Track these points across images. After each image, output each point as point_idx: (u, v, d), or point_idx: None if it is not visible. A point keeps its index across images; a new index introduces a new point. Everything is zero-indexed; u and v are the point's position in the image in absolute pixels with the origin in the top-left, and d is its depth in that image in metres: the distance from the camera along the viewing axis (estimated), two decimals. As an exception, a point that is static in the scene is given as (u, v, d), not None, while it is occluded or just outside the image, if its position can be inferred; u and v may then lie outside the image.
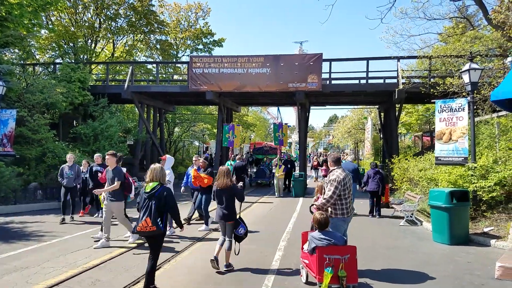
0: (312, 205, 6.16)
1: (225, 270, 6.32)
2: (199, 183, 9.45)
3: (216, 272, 6.25)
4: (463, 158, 10.01)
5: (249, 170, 28.39)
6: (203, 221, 10.03)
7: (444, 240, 8.33)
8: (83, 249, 7.72)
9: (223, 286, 5.73)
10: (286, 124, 19.03)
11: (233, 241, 6.47)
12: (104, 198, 8.28)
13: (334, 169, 5.98)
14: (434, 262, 7.04)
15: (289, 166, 17.61)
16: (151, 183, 5.27)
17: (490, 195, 9.08)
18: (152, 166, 5.47)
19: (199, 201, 9.94)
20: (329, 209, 5.88)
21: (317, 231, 5.49)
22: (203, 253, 7.51)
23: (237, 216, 6.47)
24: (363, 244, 7.99)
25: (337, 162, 6.06)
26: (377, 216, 11.65)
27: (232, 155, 17.31)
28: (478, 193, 9.37)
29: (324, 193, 5.95)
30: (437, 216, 8.55)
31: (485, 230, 8.81)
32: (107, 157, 8.10)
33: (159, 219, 5.10)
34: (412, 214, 10.66)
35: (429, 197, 8.90)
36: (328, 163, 6.20)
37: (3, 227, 9.96)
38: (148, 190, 5.21)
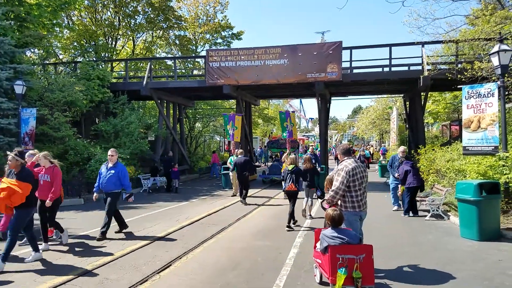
0: (323, 200, 5.79)
1: (309, 218, 10.05)
2: (7, 201, 6.11)
3: (300, 220, 10.05)
4: (493, 147, 9.33)
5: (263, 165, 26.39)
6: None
7: (473, 236, 7.75)
8: (96, 245, 7.66)
9: (232, 285, 5.45)
10: (293, 112, 17.38)
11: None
12: None
13: (343, 160, 5.61)
14: (461, 260, 6.52)
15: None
16: (291, 165, 9.41)
17: (524, 187, 8.39)
18: (291, 155, 10.05)
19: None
20: (339, 202, 5.51)
21: (329, 228, 5.12)
22: (214, 250, 7.30)
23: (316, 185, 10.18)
24: (383, 241, 7.58)
25: (347, 152, 5.68)
26: (414, 215, 10.46)
27: (236, 150, 15.10)
28: (510, 184, 8.70)
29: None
30: (465, 210, 7.96)
31: (519, 224, 8.17)
32: None
33: (297, 184, 9.21)
34: (439, 207, 10.06)
35: (456, 189, 8.32)
36: (338, 155, 5.81)
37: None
38: (290, 169, 9.34)
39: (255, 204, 12.89)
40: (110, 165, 8.45)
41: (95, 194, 8.65)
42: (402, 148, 12.09)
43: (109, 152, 8.57)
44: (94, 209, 12.14)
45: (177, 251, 7.17)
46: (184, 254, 7.04)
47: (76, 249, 7.45)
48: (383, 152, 31.34)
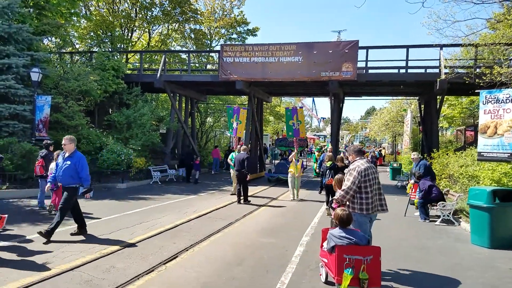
0: (332, 200, 5.73)
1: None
2: None
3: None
4: (509, 154, 9.12)
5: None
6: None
7: (484, 243, 7.61)
8: (104, 234, 7.72)
9: (237, 280, 5.43)
10: (301, 108, 15.76)
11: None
12: None
13: (355, 160, 5.53)
14: (471, 266, 6.39)
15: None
16: (329, 161, 10.99)
17: (539, 196, 8.15)
18: (328, 153, 11.50)
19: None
20: (348, 203, 5.43)
21: (337, 228, 5.06)
22: (220, 245, 7.30)
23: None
24: (392, 244, 7.48)
25: (359, 153, 5.60)
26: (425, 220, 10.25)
27: (238, 146, 14.07)
28: (525, 193, 8.49)
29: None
30: (476, 216, 7.81)
31: (532, 234, 7.97)
32: None
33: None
34: (450, 213, 9.90)
35: (468, 195, 8.16)
36: (350, 156, 5.73)
37: (34, 210, 10.21)
38: (328, 165, 10.94)
39: (256, 205, 12.00)
40: (66, 154, 7.28)
41: (47, 185, 7.72)
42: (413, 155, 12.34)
43: (63, 141, 7.34)
44: (105, 198, 12.30)
45: (184, 243, 7.20)
46: (190, 246, 7.05)
47: (82, 237, 7.50)
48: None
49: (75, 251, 6.48)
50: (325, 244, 5.33)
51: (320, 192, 14.73)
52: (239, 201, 12.29)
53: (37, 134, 14.26)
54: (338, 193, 5.57)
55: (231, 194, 13.99)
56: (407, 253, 7.10)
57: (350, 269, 4.67)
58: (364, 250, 4.81)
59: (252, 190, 15.28)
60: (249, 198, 12.60)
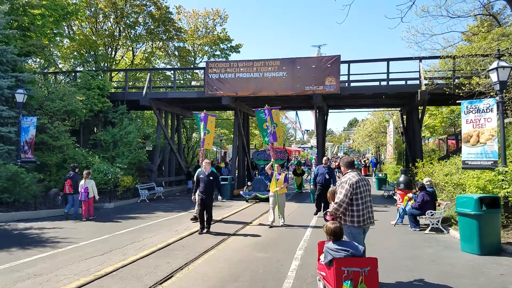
0: (326, 212, 5.82)
1: None
2: None
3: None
4: (492, 162, 9.42)
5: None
6: None
7: (474, 250, 7.79)
8: (97, 255, 7.64)
9: (235, 298, 5.44)
10: (279, 109, 12.98)
11: None
12: None
13: (347, 172, 5.64)
14: (463, 274, 6.54)
15: (326, 176, 12.42)
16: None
17: (523, 202, 8.45)
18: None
19: None
20: (340, 215, 5.52)
21: (331, 242, 5.13)
22: (215, 262, 7.28)
23: None
24: (384, 254, 7.59)
25: (350, 165, 5.72)
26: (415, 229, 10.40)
27: (203, 161, 10.83)
28: (510, 199, 8.75)
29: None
30: (465, 224, 8.01)
31: (518, 239, 8.22)
32: None
33: None
34: (438, 221, 10.10)
35: (456, 203, 8.37)
36: (341, 168, 5.85)
37: (22, 233, 10.03)
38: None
39: (224, 234, 9.68)
40: None
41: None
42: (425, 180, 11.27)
43: None
44: (91, 220, 12.11)
45: (178, 262, 7.15)
46: (185, 265, 7.01)
47: (76, 259, 7.40)
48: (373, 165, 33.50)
49: (69, 274, 6.38)
50: (321, 257, 5.39)
51: (316, 213, 12.66)
52: (201, 231, 9.99)
53: (23, 155, 14.03)
54: (332, 206, 5.65)
55: (191, 219, 11.61)
56: (400, 262, 7.20)
57: (349, 281, 4.72)
58: (361, 261, 4.88)
59: (237, 207, 15.23)
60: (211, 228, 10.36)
